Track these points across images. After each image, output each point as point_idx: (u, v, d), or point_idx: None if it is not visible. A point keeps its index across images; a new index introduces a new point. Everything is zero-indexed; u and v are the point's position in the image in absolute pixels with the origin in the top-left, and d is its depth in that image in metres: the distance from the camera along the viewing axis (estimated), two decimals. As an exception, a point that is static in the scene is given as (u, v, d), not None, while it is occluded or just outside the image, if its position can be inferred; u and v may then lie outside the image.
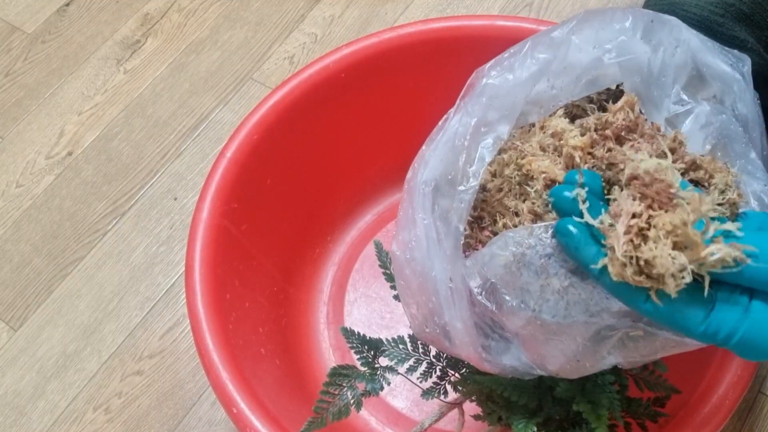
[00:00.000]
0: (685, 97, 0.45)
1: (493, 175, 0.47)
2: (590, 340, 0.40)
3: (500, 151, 0.46)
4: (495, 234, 0.44)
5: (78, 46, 1.16)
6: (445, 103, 0.51)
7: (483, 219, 0.46)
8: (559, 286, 0.39)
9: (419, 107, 0.74)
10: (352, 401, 0.46)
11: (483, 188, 0.46)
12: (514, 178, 0.45)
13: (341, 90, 0.76)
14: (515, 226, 0.43)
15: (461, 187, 0.42)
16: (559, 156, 0.44)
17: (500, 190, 0.46)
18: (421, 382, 0.49)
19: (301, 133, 0.76)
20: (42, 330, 0.91)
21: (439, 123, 0.48)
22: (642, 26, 0.44)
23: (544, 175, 0.43)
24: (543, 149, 0.45)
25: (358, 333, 0.48)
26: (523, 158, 0.45)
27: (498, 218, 0.45)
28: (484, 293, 0.42)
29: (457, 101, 0.47)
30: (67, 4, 1.21)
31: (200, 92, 1.09)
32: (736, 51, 0.46)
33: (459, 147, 0.43)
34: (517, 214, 0.44)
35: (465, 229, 0.43)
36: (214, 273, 0.65)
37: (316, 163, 0.80)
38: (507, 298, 0.40)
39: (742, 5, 0.52)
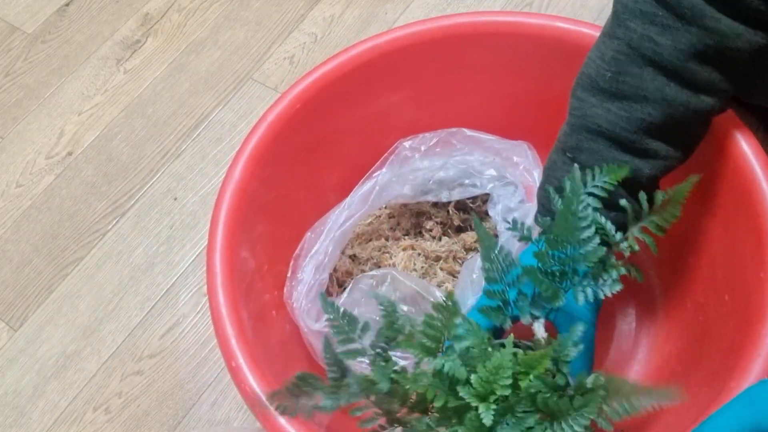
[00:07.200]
0: None
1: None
2: None
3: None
4: None
5: (78, 46, 1.16)
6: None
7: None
8: None
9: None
10: (306, 411, 0.44)
11: None
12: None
13: (393, 70, 0.76)
14: None
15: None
16: None
17: None
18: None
19: (341, 110, 0.76)
20: (42, 330, 0.91)
21: None
22: None
23: None
24: None
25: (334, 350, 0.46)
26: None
27: None
28: None
29: None
30: (67, 4, 1.21)
31: (200, 92, 1.09)
32: None
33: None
34: None
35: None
36: (235, 236, 0.65)
37: (354, 135, 0.80)
38: None
39: (652, 118, 0.54)
